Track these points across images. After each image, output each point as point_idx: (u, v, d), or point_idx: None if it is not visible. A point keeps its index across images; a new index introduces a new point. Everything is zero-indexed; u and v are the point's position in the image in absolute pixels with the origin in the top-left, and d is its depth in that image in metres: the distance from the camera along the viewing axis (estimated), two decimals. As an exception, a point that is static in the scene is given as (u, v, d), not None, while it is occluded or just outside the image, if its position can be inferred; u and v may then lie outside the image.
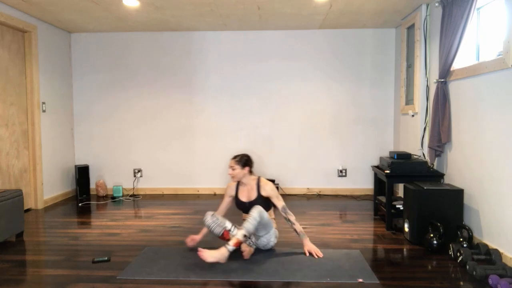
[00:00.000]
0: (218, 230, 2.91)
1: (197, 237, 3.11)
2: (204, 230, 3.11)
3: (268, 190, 3.02)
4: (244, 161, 3.06)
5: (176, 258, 2.88)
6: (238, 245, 2.72)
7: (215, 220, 2.92)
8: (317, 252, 2.92)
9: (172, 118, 5.35)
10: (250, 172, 3.10)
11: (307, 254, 2.93)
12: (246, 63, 5.27)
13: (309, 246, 2.96)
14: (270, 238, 2.97)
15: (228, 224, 2.94)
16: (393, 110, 5.22)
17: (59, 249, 3.15)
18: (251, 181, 3.09)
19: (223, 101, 5.31)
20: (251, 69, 5.27)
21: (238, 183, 3.15)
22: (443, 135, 3.59)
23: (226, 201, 3.18)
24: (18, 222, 3.37)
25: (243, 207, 3.09)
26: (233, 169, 3.03)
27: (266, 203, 3.03)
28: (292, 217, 2.99)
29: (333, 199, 4.98)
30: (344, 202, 4.81)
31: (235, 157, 3.07)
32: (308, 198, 5.05)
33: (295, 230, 2.99)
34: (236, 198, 3.14)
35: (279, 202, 3.01)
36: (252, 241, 2.96)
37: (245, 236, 2.73)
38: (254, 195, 3.04)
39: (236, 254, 2.88)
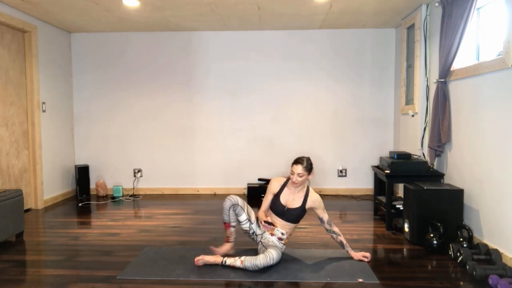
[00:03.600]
0: (225, 218, 2.85)
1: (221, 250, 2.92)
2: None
3: (316, 202, 2.87)
4: (310, 166, 2.84)
5: (176, 258, 2.88)
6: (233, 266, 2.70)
7: (229, 209, 2.82)
8: (365, 255, 2.86)
9: (172, 118, 5.35)
10: None
11: (358, 258, 2.86)
12: (246, 63, 5.27)
13: (357, 256, 2.86)
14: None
15: (243, 217, 2.82)
16: (393, 110, 5.22)
17: (59, 249, 3.15)
18: (302, 187, 2.90)
19: (223, 101, 5.31)
20: (251, 69, 5.27)
21: (285, 183, 2.93)
22: (443, 135, 3.59)
23: (269, 198, 2.93)
24: (18, 222, 3.37)
25: (279, 210, 2.87)
26: (301, 176, 2.78)
27: (301, 214, 2.88)
28: (337, 229, 2.90)
29: (333, 199, 4.98)
30: (344, 202, 4.81)
31: (300, 162, 2.80)
32: (308, 198, 5.05)
33: (340, 242, 2.88)
34: (276, 197, 2.90)
35: (325, 215, 2.88)
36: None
37: (240, 265, 2.66)
38: (297, 204, 2.86)
39: (236, 255, 2.87)
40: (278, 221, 2.88)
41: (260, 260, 2.63)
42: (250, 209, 2.91)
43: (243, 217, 2.84)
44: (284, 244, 2.91)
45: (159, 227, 3.76)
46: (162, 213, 4.31)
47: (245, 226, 2.88)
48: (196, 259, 2.74)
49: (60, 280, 2.55)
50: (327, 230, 2.91)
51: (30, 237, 3.47)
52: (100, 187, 5.22)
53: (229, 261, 2.69)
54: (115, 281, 2.52)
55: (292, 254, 2.98)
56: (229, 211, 2.82)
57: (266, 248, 2.75)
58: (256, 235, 2.91)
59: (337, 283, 2.47)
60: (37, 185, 4.53)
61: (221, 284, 2.46)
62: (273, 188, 2.94)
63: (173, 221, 3.96)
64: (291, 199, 2.88)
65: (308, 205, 2.87)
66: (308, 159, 2.85)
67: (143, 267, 2.73)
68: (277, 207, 2.88)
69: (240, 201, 2.82)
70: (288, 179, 2.92)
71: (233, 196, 2.83)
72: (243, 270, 2.65)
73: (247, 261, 2.64)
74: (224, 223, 2.88)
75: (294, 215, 2.86)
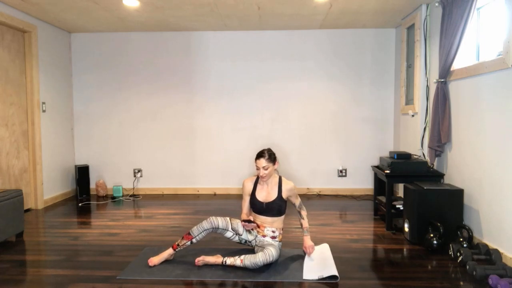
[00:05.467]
0: (194, 232, 2.79)
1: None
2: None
3: (290, 190, 2.89)
4: (274, 156, 2.85)
5: (176, 258, 2.88)
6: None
7: (204, 230, 2.79)
8: (310, 249, 2.87)
9: (172, 118, 5.35)
10: None
11: (309, 253, 2.88)
12: (246, 63, 5.27)
13: (306, 243, 2.92)
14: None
15: (229, 234, 2.85)
16: (393, 110, 5.22)
17: (59, 249, 3.15)
18: (273, 179, 2.92)
19: (223, 101, 5.31)
20: (251, 69, 5.27)
21: (257, 180, 2.94)
22: (443, 135, 3.59)
23: (247, 200, 2.96)
24: (18, 222, 3.37)
25: (259, 208, 2.90)
26: (266, 169, 2.80)
27: (282, 205, 2.89)
28: (304, 213, 2.97)
29: (333, 199, 4.98)
30: (344, 202, 4.81)
31: (262, 155, 2.82)
32: (308, 198, 5.05)
33: (301, 225, 2.97)
34: (252, 196, 2.92)
35: (297, 200, 2.95)
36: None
37: (240, 264, 2.66)
38: (273, 196, 2.88)
39: (235, 254, 2.87)
40: (263, 219, 2.89)
41: (260, 258, 2.63)
42: (235, 222, 2.89)
43: (228, 234, 2.87)
44: (280, 241, 2.93)
45: (159, 227, 3.76)
46: (162, 213, 4.31)
47: (235, 240, 2.91)
48: (196, 260, 2.74)
49: (60, 280, 2.55)
50: (299, 214, 2.98)
51: (30, 237, 3.47)
52: (100, 187, 5.22)
53: (229, 260, 2.69)
54: (115, 281, 2.52)
55: (291, 254, 2.98)
56: (203, 231, 2.78)
57: (264, 248, 2.76)
58: (250, 241, 2.93)
59: (336, 283, 2.47)
60: (37, 185, 4.53)
61: (221, 284, 2.46)
62: (246, 189, 2.96)
63: (173, 221, 3.96)
64: (267, 193, 2.90)
65: (284, 194, 2.89)
66: (269, 150, 2.87)
67: (143, 267, 2.73)
68: (256, 206, 2.90)
69: (221, 223, 2.80)
70: (258, 175, 2.95)
71: (215, 220, 2.80)
72: (243, 269, 2.66)
73: (246, 259, 2.64)
74: (188, 234, 2.79)
75: (275, 208, 2.87)
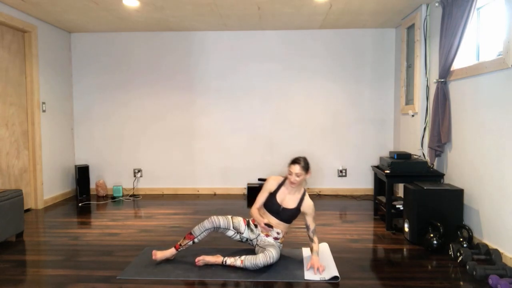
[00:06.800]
0: (196, 232, 2.80)
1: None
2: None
3: (309, 208, 2.84)
4: (308, 166, 2.82)
5: (176, 258, 2.88)
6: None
7: (206, 230, 2.81)
8: (320, 267, 2.64)
9: (172, 117, 5.35)
10: None
11: (308, 267, 2.69)
12: (246, 63, 5.27)
13: (314, 261, 2.69)
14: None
15: (230, 233, 2.86)
16: (393, 110, 5.22)
17: (59, 249, 3.15)
18: (298, 188, 2.88)
19: (223, 101, 5.31)
20: (251, 69, 5.27)
21: (283, 182, 2.92)
22: (443, 135, 3.59)
23: (265, 196, 2.91)
24: (18, 222, 3.37)
25: (274, 208, 2.85)
26: (298, 176, 2.77)
27: (295, 216, 2.87)
28: (316, 239, 2.84)
29: (333, 199, 4.98)
30: (344, 202, 4.81)
31: (298, 162, 2.78)
32: (308, 198, 5.05)
33: (311, 248, 2.82)
34: (272, 196, 2.89)
35: (313, 224, 2.84)
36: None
37: (240, 265, 2.67)
38: (292, 205, 2.84)
39: (236, 255, 2.87)
40: (272, 219, 2.88)
41: (260, 259, 2.63)
42: (236, 219, 2.89)
43: (230, 233, 2.87)
44: (281, 243, 2.92)
45: (159, 227, 3.76)
46: (162, 213, 4.31)
47: (236, 238, 2.91)
48: (196, 259, 2.74)
49: (60, 280, 2.55)
50: (309, 237, 2.85)
51: (30, 237, 3.47)
52: (100, 187, 5.22)
53: (229, 260, 2.69)
54: (115, 281, 2.52)
55: (291, 254, 2.98)
56: (205, 231, 2.79)
57: (265, 248, 2.75)
58: (251, 240, 2.92)
59: (337, 283, 2.47)
60: (37, 185, 4.53)
61: (221, 284, 2.46)
62: (270, 186, 2.92)
63: (173, 221, 3.96)
64: (287, 199, 2.87)
65: (302, 208, 2.86)
66: (305, 159, 2.84)
67: (143, 267, 2.73)
68: (272, 206, 2.87)
69: (222, 223, 2.81)
70: (285, 178, 2.91)
71: (216, 219, 2.81)
72: (243, 270, 2.66)
73: (247, 260, 2.64)
74: (190, 234, 2.81)
75: (289, 215, 2.86)
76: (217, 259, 2.73)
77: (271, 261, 2.66)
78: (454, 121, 3.55)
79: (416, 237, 3.21)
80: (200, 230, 2.79)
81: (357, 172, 5.30)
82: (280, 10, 4.29)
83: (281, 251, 2.98)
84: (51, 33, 4.86)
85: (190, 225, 3.82)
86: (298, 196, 2.88)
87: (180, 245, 2.81)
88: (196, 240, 2.80)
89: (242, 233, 2.89)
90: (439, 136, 3.66)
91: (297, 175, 2.77)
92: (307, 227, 2.86)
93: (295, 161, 2.81)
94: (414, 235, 3.22)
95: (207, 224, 2.79)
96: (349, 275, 2.60)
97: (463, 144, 3.39)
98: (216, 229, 2.83)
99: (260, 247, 2.83)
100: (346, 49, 5.20)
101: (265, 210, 2.91)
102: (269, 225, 2.82)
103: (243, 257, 2.67)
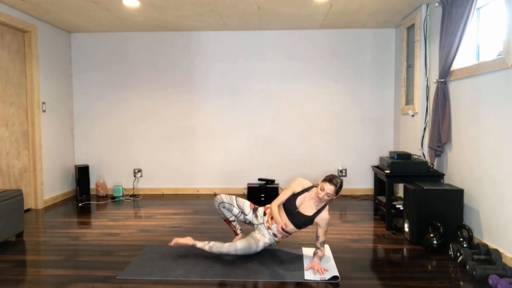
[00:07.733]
0: (222, 216, 3.07)
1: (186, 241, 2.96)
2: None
3: (323, 221, 2.80)
4: (341, 189, 2.78)
5: (176, 258, 2.88)
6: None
7: (219, 208, 3.02)
8: (320, 269, 2.61)
9: (172, 118, 5.35)
10: None
11: (308, 268, 2.68)
12: (246, 63, 5.27)
13: (315, 263, 2.67)
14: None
15: (235, 211, 3.01)
16: (393, 110, 5.22)
17: (59, 249, 3.15)
18: (321, 202, 2.82)
19: (223, 101, 5.31)
20: (251, 69, 5.27)
21: (308, 189, 2.90)
22: (443, 135, 3.59)
23: (288, 195, 2.89)
24: (18, 222, 3.37)
25: (290, 209, 2.86)
26: (329, 196, 2.73)
27: (308, 224, 2.85)
28: (323, 249, 2.80)
29: (333, 199, 4.98)
30: (344, 202, 4.81)
31: (334, 183, 2.71)
32: (308, 198, 5.05)
33: (315, 253, 2.77)
34: (293, 196, 2.88)
35: (323, 237, 2.80)
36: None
37: (208, 250, 2.86)
38: (309, 212, 2.83)
39: (236, 256, 2.88)
40: (283, 217, 2.88)
41: (225, 247, 2.81)
42: (242, 200, 3.05)
43: (235, 211, 3.02)
44: (277, 242, 2.97)
45: (159, 227, 3.76)
46: (162, 213, 4.31)
47: (241, 218, 3.05)
48: (171, 242, 2.91)
49: (60, 280, 2.55)
50: (316, 246, 2.82)
51: (30, 237, 3.47)
52: (100, 187, 5.22)
53: (199, 244, 2.87)
54: (115, 281, 2.52)
55: (291, 254, 2.98)
56: (220, 210, 3.02)
57: (251, 237, 2.91)
58: (253, 224, 3.03)
59: (336, 283, 2.47)
60: (37, 185, 4.53)
61: (221, 284, 2.46)
62: (294, 187, 2.91)
63: (173, 221, 3.96)
64: (305, 205, 2.86)
65: (317, 219, 2.82)
66: (342, 182, 2.76)
67: (143, 267, 2.73)
68: (290, 206, 2.88)
69: (225, 198, 3.00)
70: (312, 186, 2.91)
71: (218, 196, 3.02)
72: (244, 269, 2.66)
73: (214, 247, 2.82)
74: (224, 220, 3.11)
75: (301, 221, 2.84)
76: (188, 241, 2.89)
77: (234, 252, 2.81)
78: (454, 121, 3.55)
79: (416, 237, 3.21)
80: (220, 213, 3.04)
81: (357, 172, 5.30)
82: (280, 10, 4.29)
83: (281, 251, 2.99)
84: (51, 33, 4.86)
85: (190, 225, 3.82)
86: (317, 207, 2.84)
87: (234, 230, 3.14)
88: (231, 219, 3.07)
89: (246, 215, 3.02)
90: (439, 136, 3.66)
91: (328, 195, 2.73)
92: (317, 237, 2.83)
93: (331, 181, 2.72)
94: (414, 235, 3.22)
95: (215, 205, 3.00)
96: (349, 275, 2.60)
97: (463, 144, 3.39)
98: (223, 205, 2.99)
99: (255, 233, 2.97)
100: (346, 49, 5.20)
101: (281, 208, 2.91)
102: (286, 231, 2.87)
103: (211, 243, 2.84)
